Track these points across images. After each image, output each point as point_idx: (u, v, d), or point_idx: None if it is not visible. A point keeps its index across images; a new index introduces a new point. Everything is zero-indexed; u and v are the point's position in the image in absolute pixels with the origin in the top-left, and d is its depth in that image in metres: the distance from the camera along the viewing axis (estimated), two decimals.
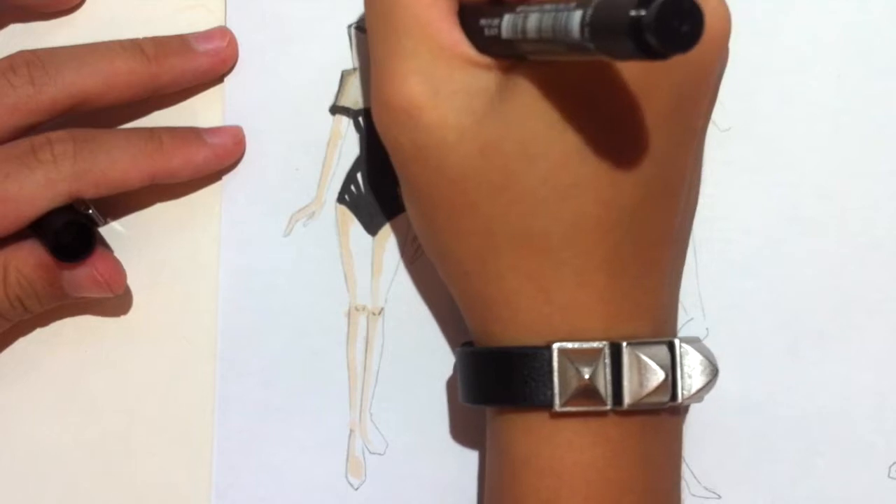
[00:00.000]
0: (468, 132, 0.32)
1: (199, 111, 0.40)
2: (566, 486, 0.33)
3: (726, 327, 0.40)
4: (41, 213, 0.36)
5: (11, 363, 0.40)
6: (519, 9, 0.30)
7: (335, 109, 0.40)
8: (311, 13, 0.40)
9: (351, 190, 0.40)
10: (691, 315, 0.40)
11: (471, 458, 0.40)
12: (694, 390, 0.34)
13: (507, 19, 0.31)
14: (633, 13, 0.25)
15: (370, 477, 0.40)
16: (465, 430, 0.40)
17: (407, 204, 0.36)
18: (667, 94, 0.32)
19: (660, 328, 0.34)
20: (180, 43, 0.39)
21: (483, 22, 0.32)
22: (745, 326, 0.40)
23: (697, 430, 0.39)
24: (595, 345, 0.32)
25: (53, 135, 0.37)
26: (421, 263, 0.40)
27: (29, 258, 0.37)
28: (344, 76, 0.40)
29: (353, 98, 0.40)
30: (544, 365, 0.32)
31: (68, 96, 0.37)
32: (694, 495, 0.39)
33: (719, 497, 0.40)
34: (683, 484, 0.39)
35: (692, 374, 0.34)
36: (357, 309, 0.40)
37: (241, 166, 0.40)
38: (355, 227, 0.40)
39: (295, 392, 0.40)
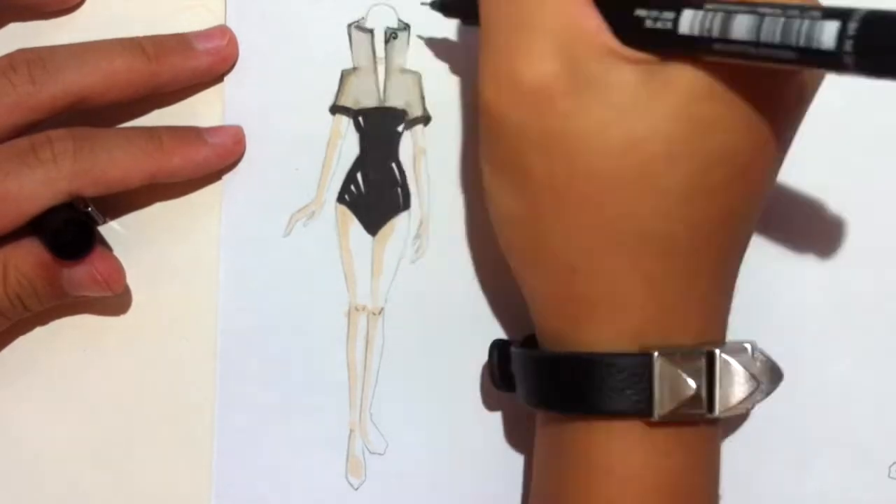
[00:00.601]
0: (609, 127, 0.31)
1: (199, 111, 0.40)
2: (651, 492, 0.32)
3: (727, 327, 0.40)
4: (41, 211, 0.36)
5: (11, 363, 0.40)
6: (708, 6, 0.29)
7: (335, 109, 0.40)
8: (310, 13, 0.40)
9: (351, 190, 0.40)
10: None
11: (471, 458, 0.40)
12: (764, 395, 0.33)
13: (692, 14, 0.29)
14: None
15: (370, 477, 0.40)
16: (465, 429, 0.40)
17: (500, 190, 0.34)
18: (804, 109, 0.32)
19: (724, 334, 0.34)
20: (180, 42, 0.39)
21: (643, 13, 0.31)
22: (744, 326, 0.40)
23: None
24: (698, 352, 0.32)
25: (54, 133, 0.37)
26: (421, 263, 0.40)
27: (28, 256, 0.37)
28: (344, 76, 0.40)
29: (353, 98, 0.40)
30: (645, 372, 0.31)
31: (68, 94, 0.37)
32: None
33: (719, 497, 0.39)
34: None
35: (762, 378, 0.33)
36: (357, 309, 0.40)
37: (241, 166, 0.40)
38: (355, 226, 0.40)
39: (295, 392, 0.40)
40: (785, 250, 0.40)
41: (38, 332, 0.40)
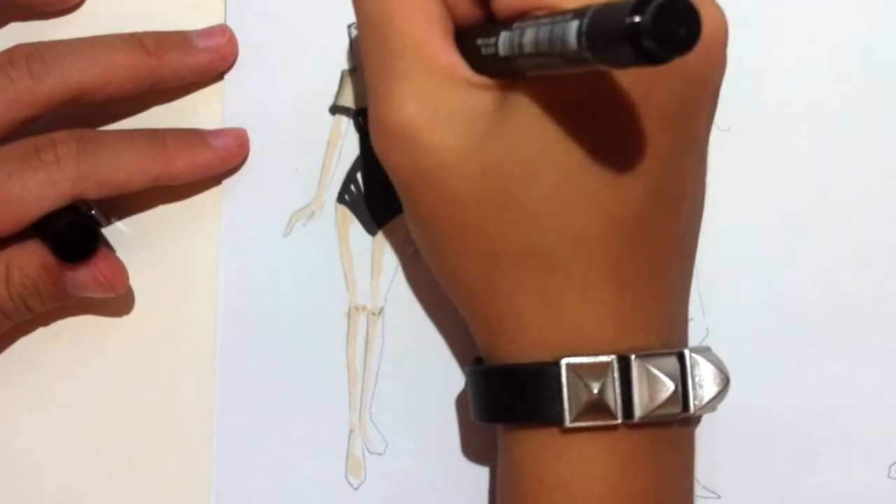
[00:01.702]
0: (468, 154, 0.32)
1: (199, 111, 0.40)
2: (577, 501, 0.33)
3: (726, 327, 0.40)
4: (44, 213, 0.36)
5: (12, 363, 0.40)
6: (515, 25, 0.30)
7: (335, 109, 0.40)
8: (310, 13, 0.40)
9: (351, 190, 0.40)
10: (691, 315, 0.40)
11: (471, 457, 0.40)
12: (705, 400, 0.33)
13: (504, 36, 0.30)
14: (629, 20, 0.25)
15: (370, 477, 0.40)
16: (465, 430, 0.40)
17: (410, 226, 0.36)
18: (666, 102, 0.32)
19: (669, 339, 0.34)
20: (180, 38, 0.39)
21: (479, 41, 0.32)
22: (745, 326, 0.40)
23: (697, 430, 0.39)
24: (603, 358, 0.32)
25: (57, 135, 0.37)
26: (421, 263, 0.40)
27: (32, 258, 0.37)
28: (344, 76, 0.40)
29: (353, 98, 0.40)
30: (553, 381, 0.32)
31: (67, 89, 0.37)
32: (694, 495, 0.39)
33: (719, 497, 0.40)
34: None
35: (703, 384, 0.33)
36: (357, 309, 0.40)
37: (240, 166, 0.40)
38: (355, 226, 0.40)
39: (295, 392, 0.40)
40: (784, 250, 0.40)
41: (39, 332, 0.40)
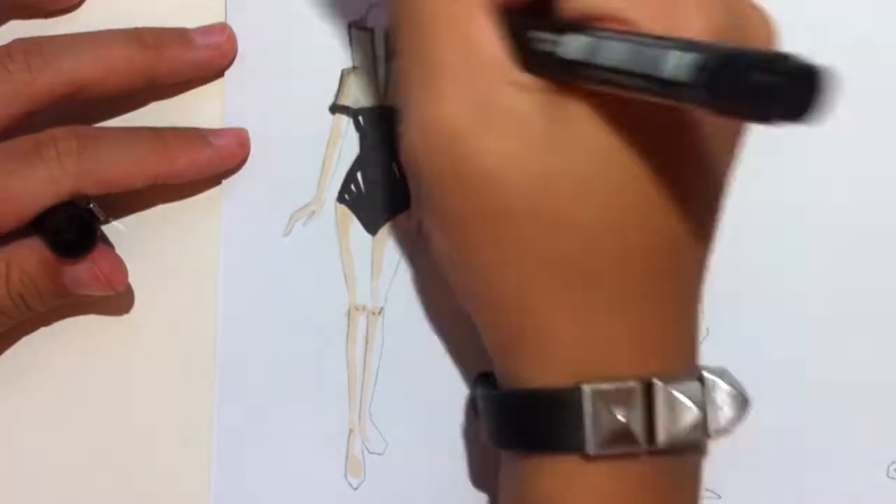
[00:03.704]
0: (520, 164, 0.30)
1: (199, 111, 0.40)
2: None
3: (726, 327, 0.40)
4: (43, 209, 0.36)
5: (12, 363, 0.40)
6: (591, 31, 0.28)
7: (335, 108, 0.40)
8: (311, 13, 0.40)
9: (351, 189, 0.40)
10: None
11: (471, 457, 0.40)
12: (725, 423, 0.33)
13: (578, 40, 0.28)
14: (760, 77, 0.23)
15: (369, 476, 0.40)
16: (464, 430, 0.40)
17: (435, 233, 0.34)
18: (722, 133, 0.32)
19: (689, 362, 0.33)
20: (180, 34, 0.39)
21: (533, 34, 0.30)
22: (745, 326, 0.40)
23: None
24: (630, 384, 0.31)
25: (58, 132, 0.37)
26: (421, 263, 0.40)
27: (31, 255, 0.37)
28: (344, 75, 0.40)
29: (353, 97, 0.40)
30: (576, 408, 0.31)
31: (66, 83, 0.37)
32: None
33: (719, 497, 0.40)
34: None
35: (723, 406, 0.33)
36: (357, 309, 0.40)
37: (241, 166, 0.40)
38: (355, 226, 0.40)
39: (295, 392, 0.40)
40: (785, 250, 0.40)
41: (39, 332, 0.40)
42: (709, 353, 0.39)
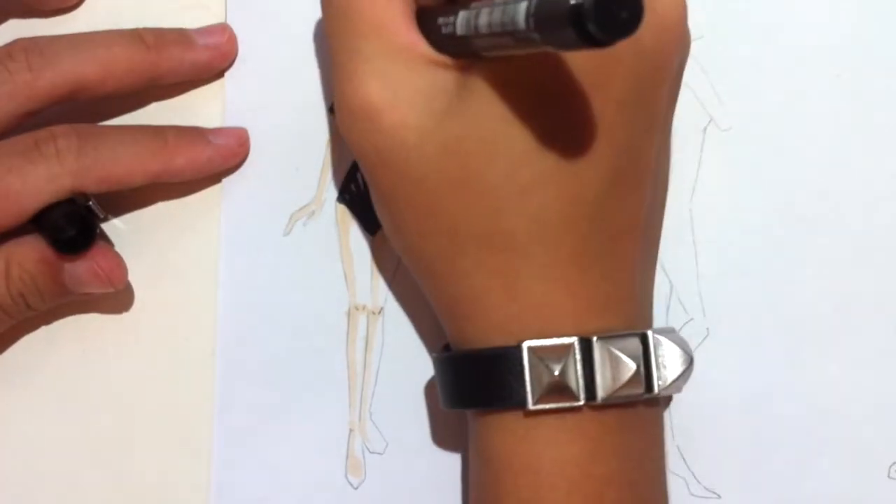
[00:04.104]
0: (428, 133, 0.32)
1: (200, 110, 0.40)
2: (546, 484, 0.33)
3: (726, 327, 0.40)
4: (42, 206, 0.36)
5: (13, 363, 0.40)
6: (473, 5, 0.31)
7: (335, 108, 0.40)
8: (311, 13, 0.40)
9: (351, 189, 0.40)
10: (691, 315, 0.40)
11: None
12: (669, 381, 0.34)
13: (462, 16, 0.31)
14: (571, 2, 0.25)
15: (370, 476, 0.40)
16: (464, 429, 0.40)
17: (376, 207, 0.36)
18: (623, 83, 0.32)
19: (632, 320, 0.34)
20: (180, 35, 0.39)
21: (440, 20, 0.32)
22: (745, 326, 0.40)
23: (698, 430, 0.39)
24: (565, 340, 0.33)
25: (58, 129, 0.37)
26: None
27: (31, 253, 0.37)
28: None
29: None
30: (516, 364, 0.32)
31: (66, 82, 0.37)
32: (694, 495, 0.39)
33: (719, 497, 0.39)
34: (683, 483, 0.39)
35: (667, 364, 0.34)
36: (357, 308, 0.40)
37: (241, 165, 0.40)
38: (355, 226, 0.40)
39: (295, 392, 0.40)
40: (784, 250, 0.40)
41: (39, 331, 0.40)
42: (709, 353, 0.39)
